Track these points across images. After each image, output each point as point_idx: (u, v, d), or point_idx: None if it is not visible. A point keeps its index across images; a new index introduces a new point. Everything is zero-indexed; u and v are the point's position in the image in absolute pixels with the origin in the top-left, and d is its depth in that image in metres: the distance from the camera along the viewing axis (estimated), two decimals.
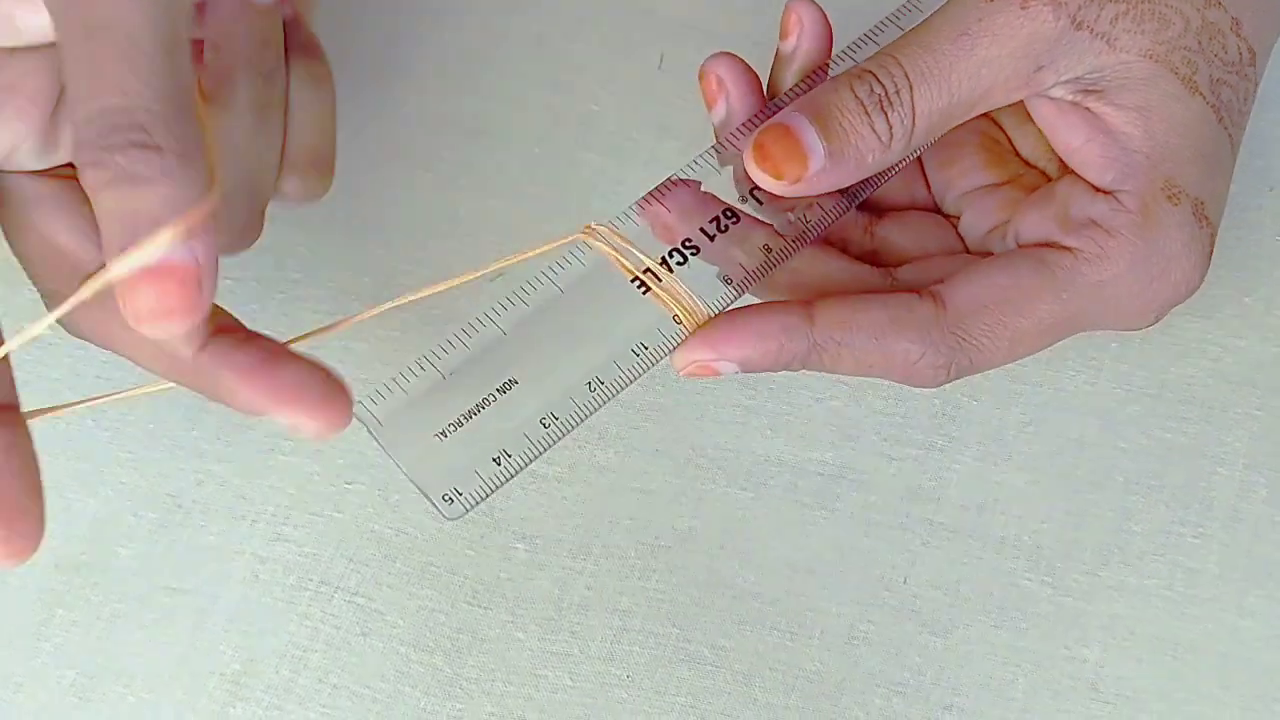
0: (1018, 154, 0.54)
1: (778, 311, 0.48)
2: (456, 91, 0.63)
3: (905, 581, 0.54)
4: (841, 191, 0.50)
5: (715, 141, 0.50)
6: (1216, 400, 0.57)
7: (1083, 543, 0.55)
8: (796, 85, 0.51)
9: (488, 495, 0.46)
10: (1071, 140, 0.50)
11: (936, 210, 0.54)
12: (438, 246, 0.60)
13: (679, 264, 0.48)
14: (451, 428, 0.46)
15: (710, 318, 0.48)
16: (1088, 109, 0.49)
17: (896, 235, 0.53)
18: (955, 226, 0.54)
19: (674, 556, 0.54)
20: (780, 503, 0.55)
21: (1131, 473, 0.56)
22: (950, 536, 0.55)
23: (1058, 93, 0.49)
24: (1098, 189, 0.50)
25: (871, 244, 0.53)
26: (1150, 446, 0.56)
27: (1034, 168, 0.53)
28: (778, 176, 0.47)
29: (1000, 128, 0.54)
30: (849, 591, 0.54)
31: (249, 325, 0.54)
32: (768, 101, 0.51)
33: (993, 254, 0.51)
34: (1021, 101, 0.50)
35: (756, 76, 0.51)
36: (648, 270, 0.48)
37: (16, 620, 0.53)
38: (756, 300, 0.50)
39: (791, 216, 0.49)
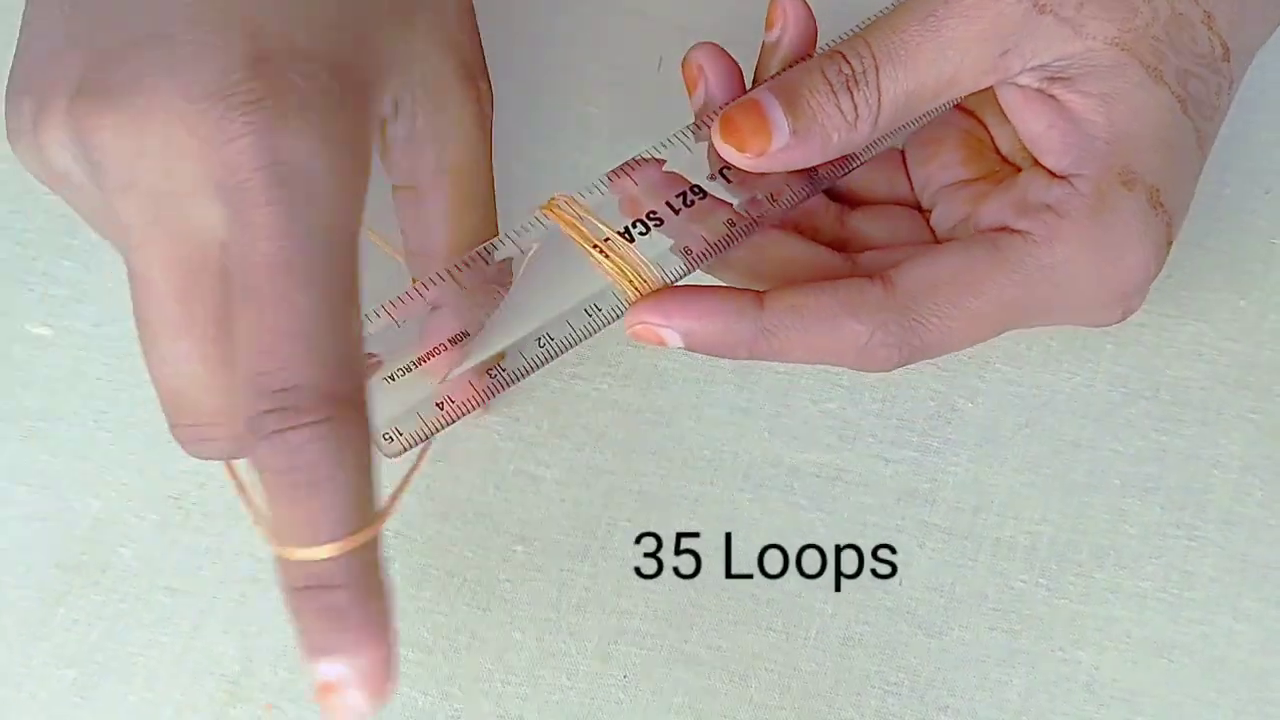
0: (997, 150, 0.54)
1: (729, 293, 0.48)
2: None
3: (901, 583, 0.54)
4: (810, 174, 0.50)
5: (693, 122, 0.51)
6: (1212, 403, 0.57)
7: (1078, 544, 0.55)
8: (779, 73, 0.51)
9: (427, 437, 0.47)
10: (1035, 126, 0.50)
11: (916, 206, 0.55)
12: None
13: (640, 234, 0.49)
14: (400, 372, 0.47)
15: (665, 286, 0.49)
16: (1053, 96, 0.50)
17: (867, 225, 0.54)
18: (929, 220, 0.54)
19: (670, 557, 0.55)
20: (777, 504, 0.55)
21: (1127, 475, 0.56)
22: (945, 538, 0.55)
23: (1025, 80, 0.50)
24: (1055, 174, 0.50)
25: (842, 232, 0.54)
26: (1146, 448, 0.56)
27: (1010, 164, 0.54)
28: (742, 149, 0.48)
29: (983, 125, 0.55)
30: (845, 592, 0.54)
31: None
32: (748, 90, 0.51)
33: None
34: (995, 90, 0.51)
35: (736, 64, 0.51)
36: (607, 239, 0.48)
37: (17, 619, 0.53)
38: (718, 283, 0.50)
39: (759, 195, 0.50)
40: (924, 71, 0.49)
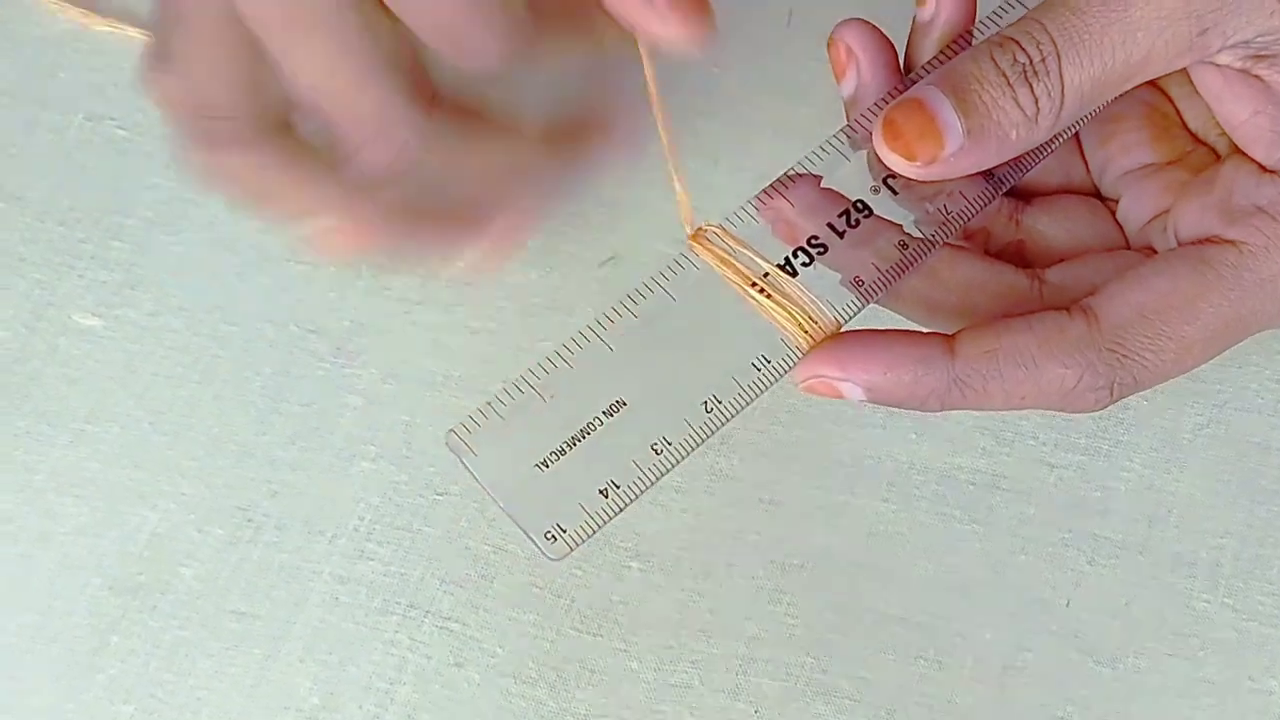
0: (1186, 127, 0.52)
1: (914, 338, 0.46)
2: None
3: (1068, 604, 0.53)
4: (986, 177, 0.48)
5: (846, 122, 0.48)
6: None
7: (1268, 560, 0.53)
8: (936, 57, 0.48)
9: (594, 532, 0.44)
10: (1238, 113, 0.48)
11: (1095, 193, 0.52)
12: (541, 228, 0.57)
13: (804, 265, 0.46)
14: (554, 456, 0.44)
15: (838, 326, 0.46)
16: (1258, 77, 0.47)
17: (1045, 225, 0.51)
18: (1113, 213, 0.51)
19: (807, 577, 0.53)
20: (926, 516, 0.54)
21: None
22: (1118, 553, 0.53)
23: (1224, 59, 0.47)
24: (1265, 169, 0.47)
25: (1017, 234, 0.51)
26: None
27: (1203, 143, 0.51)
28: (910, 158, 0.45)
29: (1167, 97, 0.52)
30: (1004, 616, 0.52)
31: (326, 316, 0.55)
32: (904, 76, 0.49)
33: (1152, 250, 0.49)
34: (1187, 69, 0.48)
35: (892, 46, 0.49)
36: (767, 275, 0.45)
37: (67, 648, 0.52)
38: (889, 311, 0.49)
39: (930, 208, 0.47)
40: (1111, 56, 0.46)
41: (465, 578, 0.52)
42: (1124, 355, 0.46)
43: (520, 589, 0.52)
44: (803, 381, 0.45)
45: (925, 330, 0.47)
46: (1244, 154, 0.48)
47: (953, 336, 0.46)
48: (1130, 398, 0.52)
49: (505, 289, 0.54)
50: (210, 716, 0.51)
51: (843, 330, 0.46)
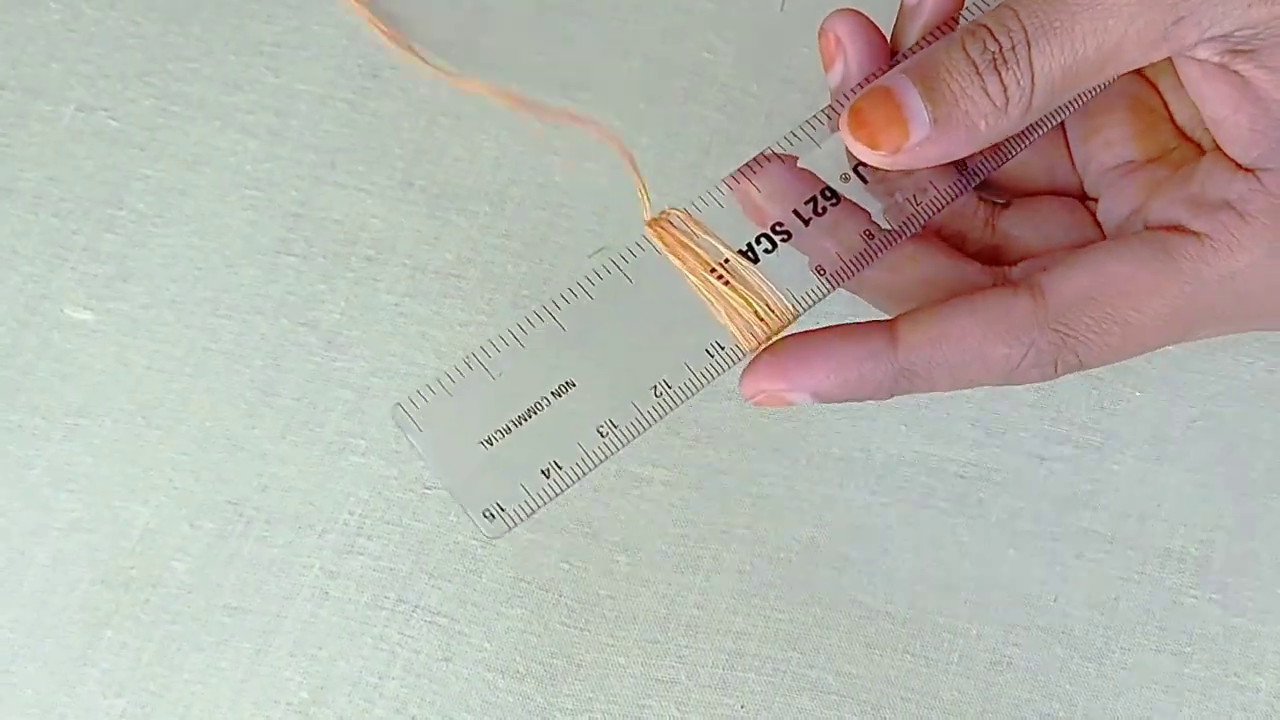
0: (1173, 122, 0.50)
1: (856, 334, 0.45)
2: (551, 41, 0.59)
3: (1056, 599, 0.52)
4: (959, 168, 0.47)
5: (828, 105, 0.48)
6: None
7: (1258, 555, 0.53)
8: (919, 42, 0.48)
9: (533, 512, 0.44)
10: (1219, 110, 0.46)
11: (1079, 193, 0.51)
12: (530, 216, 0.56)
13: (766, 251, 0.45)
14: (498, 434, 0.43)
15: (795, 315, 0.45)
16: (1237, 73, 0.46)
17: (1021, 228, 0.50)
18: (1094, 214, 0.50)
19: (794, 571, 0.52)
20: (915, 509, 0.53)
21: None
22: (1107, 548, 0.53)
23: (1203, 53, 0.45)
24: (1239, 166, 0.46)
25: (993, 239, 0.50)
26: None
27: (1189, 140, 0.50)
28: (874, 146, 0.44)
29: (1156, 91, 0.50)
30: (992, 611, 0.52)
31: (317, 309, 0.55)
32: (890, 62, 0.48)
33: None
34: (1173, 63, 0.47)
35: (881, 36, 0.48)
36: (727, 261, 0.45)
37: (59, 643, 0.52)
38: (848, 297, 0.48)
39: (899, 198, 0.46)
40: (1082, 44, 0.44)
41: (454, 572, 0.52)
42: (1068, 335, 0.45)
43: (508, 583, 0.52)
44: (750, 398, 0.45)
45: (868, 321, 0.46)
46: (1221, 151, 0.47)
47: (894, 322, 0.46)
48: (1122, 390, 0.54)
49: (495, 281, 0.54)
50: (201, 710, 0.50)
51: (789, 330, 0.45)
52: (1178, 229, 0.46)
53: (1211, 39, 0.44)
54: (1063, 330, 0.45)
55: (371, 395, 0.53)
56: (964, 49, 0.44)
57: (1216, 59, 0.45)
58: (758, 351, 0.44)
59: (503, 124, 0.57)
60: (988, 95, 0.44)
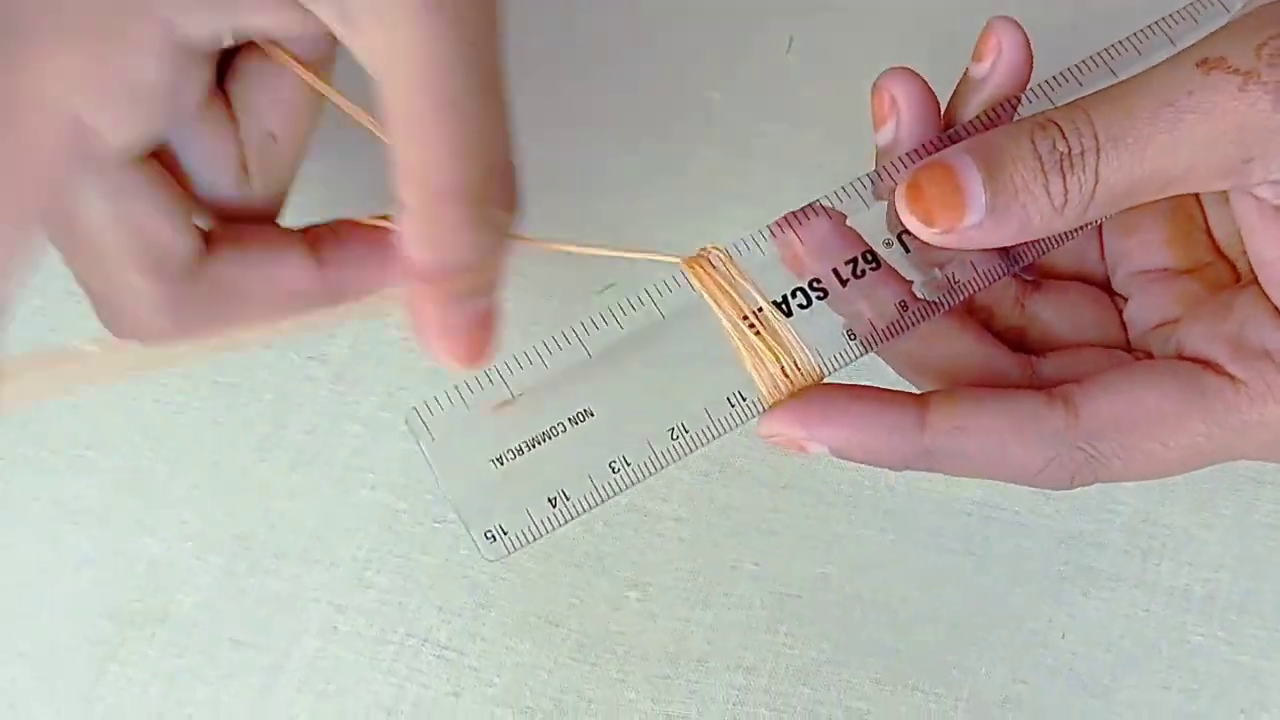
0: (1210, 234, 0.50)
1: (885, 401, 0.45)
2: (557, 79, 0.59)
3: (1063, 637, 0.52)
4: (1001, 253, 0.46)
5: (875, 167, 0.47)
6: None
7: (1262, 593, 0.52)
8: (979, 118, 0.47)
9: (534, 540, 0.43)
10: (1267, 251, 0.46)
11: (1106, 284, 0.51)
12: (535, 255, 0.55)
13: (801, 306, 0.44)
14: (510, 455, 0.43)
15: (821, 376, 0.45)
16: None
17: (1050, 313, 0.50)
18: (1120, 311, 0.50)
19: (804, 607, 0.52)
20: (923, 547, 0.53)
21: None
22: (1114, 586, 0.53)
23: (1264, 192, 0.45)
24: None
25: (1020, 319, 0.50)
26: None
27: (1224, 258, 0.49)
28: (929, 222, 0.44)
29: (1197, 200, 0.50)
30: (1000, 648, 0.52)
31: (326, 344, 0.55)
32: (943, 131, 0.47)
33: (1151, 357, 0.48)
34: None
35: (935, 101, 0.47)
36: (761, 310, 0.44)
37: (65, 677, 0.51)
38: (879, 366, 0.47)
39: (939, 274, 0.46)
40: (1151, 165, 0.44)
41: (463, 606, 0.52)
42: (1093, 455, 0.45)
43: (518, 618, 0.52)
44: (766, 438, 0.44)
45: (899, 391, 0.45)
46: (1263, 292, 0.46)
47: (925, 400, 0.45)
48: None
49: (504, 316, 0.54)
50: None
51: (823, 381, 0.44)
52: (1214, 368, 0.45)
53: (1276, 182, 0.44)
54: (1088, 450, 0.45)
55: (381, 430, 0.53)
56: (1033, 142, 0.44)
57: (1276, 201, 0.44)
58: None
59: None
60: (1048, 194, 0.44)
